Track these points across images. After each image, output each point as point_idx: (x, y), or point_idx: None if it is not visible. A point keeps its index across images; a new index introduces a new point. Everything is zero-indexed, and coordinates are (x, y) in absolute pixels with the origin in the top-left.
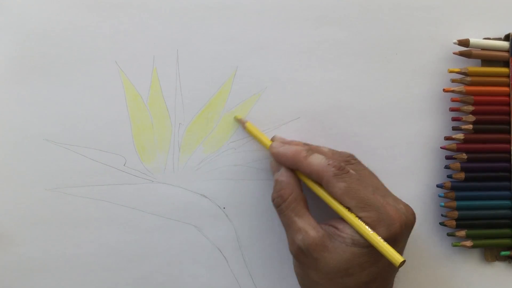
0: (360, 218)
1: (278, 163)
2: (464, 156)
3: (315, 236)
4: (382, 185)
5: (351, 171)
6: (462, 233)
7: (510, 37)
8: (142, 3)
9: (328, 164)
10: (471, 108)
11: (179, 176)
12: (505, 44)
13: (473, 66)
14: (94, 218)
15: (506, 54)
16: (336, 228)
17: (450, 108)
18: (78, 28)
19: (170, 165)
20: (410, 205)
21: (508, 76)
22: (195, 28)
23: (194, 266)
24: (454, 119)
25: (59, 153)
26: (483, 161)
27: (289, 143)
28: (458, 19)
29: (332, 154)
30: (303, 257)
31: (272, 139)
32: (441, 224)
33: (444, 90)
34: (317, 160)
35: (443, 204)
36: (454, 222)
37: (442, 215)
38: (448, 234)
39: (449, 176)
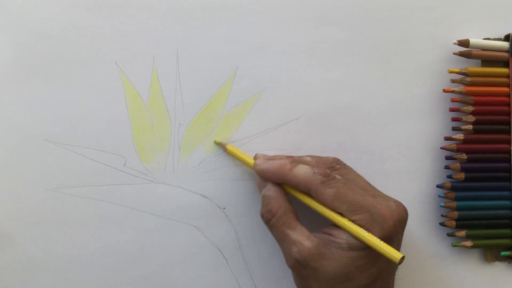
0: (353, 221)
1: (263, 180)
2: (464, 156)
3: (310, 246)
4: (370, 185)
5: (337, 176)
6: (462, 233)
7: (510, 37)
8: (142, 3)
9: (314, 173)
10: (471, 108)
11: (179, 176)
12: (505, 44)
13: (473, 67)
14: (94, 218)
15: (506, 54)
16: (331, 234)
17: (450, 108)
18: (78, 28)
19: (170, 165)
20: (411, 205)
21: (508, 77)
22: (195, 28)
23: (194, 266)
24: (454, 119)
25: (59, 153)
26: (483, 161)
27: (272, 158)
28: (458, 19)
29: (316, 162)
30: (302, 269)
31: (255, 157)
32: (441, 224)
33: (444, 91)
34: (302, 170)
35: (443, 204)
36: (454, 222)
37: (442, 215)
38: (448, 234)
39: (449, 176)
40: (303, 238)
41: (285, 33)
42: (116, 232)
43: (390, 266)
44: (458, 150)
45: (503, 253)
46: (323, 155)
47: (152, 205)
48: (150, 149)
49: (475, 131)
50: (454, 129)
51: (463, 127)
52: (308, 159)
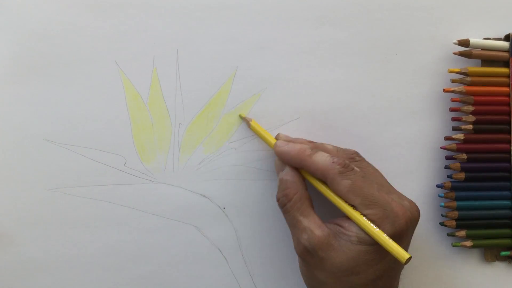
0: (365, 215)
1: (282, 162)
2: (464, 156)
3: (320, 235)
4: (387, 182)
5: (355, 168)
6: (462, 233)
7: (510, 37)
8: (142, 3)
9: (333, 162)
10: (471, 108)
11: (179, 176)
12: (505, 44)
13: (473, 66)
14: (94, 218)
15: (506, 54)
16: (342, 226)
17: (450, 108)
18: (78, 28)
19: (170, 165)
20: None
21: (508, 76)
22: (195, 28)
23: (194, 266)
24: (454, 119)
25: (59, 153)
26: (483, 161)
27: (294, 141)
28: (458, 19)
29: (337, 152)
30: (309, 257)
31: (276, 138)
32: (441, 224)
33: (444, 90)
34: (321, 158)
35: (443, 204)
36: (454, 222)
37: (442, 215)
38: (448, 234)
39: (449, 176)
40: (314, 226)
41: (285, 33)
42: (116, 232)
43: (397, 264)
44: (458, 150)
45: (503, 253)
46: None
47: (152, 205)
48: (150, 149)
49: (475, 131)
50: (454, 129)
51: (463, 127)
52: (330, 147)
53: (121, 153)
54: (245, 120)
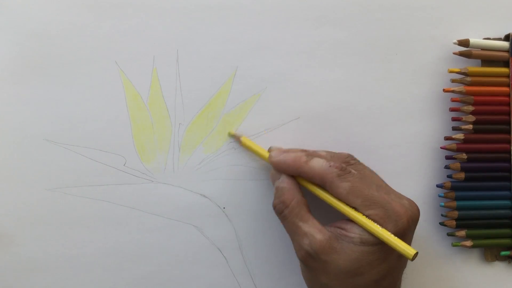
0: (367, 216)
1: (278, 172)
2: (464, 156)
3: (322, 239)
4: (384, 182)
5: (353, 170)
6: (462, 233)
7: (510, 37)
8: (142, 3)
9: (330, 166)
10: (471, 108)
11: (179, 176)
12: (505, 44)
13: (473, 66)
14: (94, 218)
15: (506, 54)
16: (343, 229)
17: (450, 108)
18: (78, 28)
19: (170, 165)
20: None
21: (508, 76)
22: (195, 28)
23: (194, 266)
24: (454, 119)
25: (59, 153)
26: (483, 161)
27: (287, 151)
28: (458, 19)
29: (331, 157)
30: (312, 262)
31: (269, 150)
32: (441, 224)
33: (444, 90)
34: (318, 163)
35: (443, 204)
36: (454, 222)
37: (442, 215)
38: (448, 234)
39: (449, 176)
40: (315, 231)
41: (285, 33)
42: (116, 232)
43: (400, 263)
44: (458, 150)
45: (503, 253)
46: None
47: (152, 205)
48: (150, 149)
49: (475, 131)
50: (454, 129)
51: (463, 127)
52: (323, 153)
53: (121, 153)
54: (235, 138)
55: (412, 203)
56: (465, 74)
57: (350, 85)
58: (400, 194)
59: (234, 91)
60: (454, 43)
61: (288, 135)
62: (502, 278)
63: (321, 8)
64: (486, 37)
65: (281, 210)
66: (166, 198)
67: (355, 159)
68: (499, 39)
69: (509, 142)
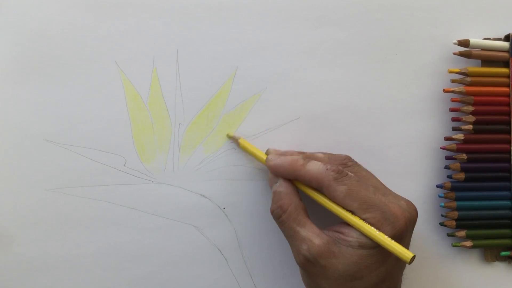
0: (364, 219)
1: (275, 176)
2: (464, 156)
3: (320, 244)
4: (381, 183)
5: (349, 173)
6: (462, 233)
7: (510, 37)
8: (142, 3)
9: (327, 169)
10: (471, 108)
11: (179, 176)
12: (505, 44)
13: (473, 67)
14: (94, 218)
15: (506, 54)
16: (341, 232)
17: (450, 108)
18: (78, 28)
19: (170, 165)
20: None
21: (508, 76)
22: (195, 28)
23: (194, 266)
24: (454, 119)
25: (59, 153)
26: (483, 161)
27: (284, 154)
28: (458, 19)
29: (328, 159)
30: (311, 267)
31: (267, 153)
32: (441, 224)
33: (444, 91)
34: (315, 167)
35: (443, 204)
36: (454, 223)
37: (442, 215)
38: (448, 234)
39: (449, 176)
40: (313, 236)
41: (285, 33)
42: (116, 232)
43: (399, 265)
44: (458, 150)
45: (503, 253)
46: None
47: (152, 205)
48: (150, 149)
49: (475, 131)
50: (454, 129)
51: (463, 127)
52: (321, 155)
53: (121, 153)
54: (233, 139)
55: (409, 204)
56: (465, 74)
57: (350, 85)
58: (397, 195)
59: (234, 91)
60: (454, 43)
61: (288, 135)
62: (502, 278)
63: (321, 8)
64: (486, 37)
65: (278, 215)
66: (166, 198)
67: (352, 160)
68: (499, 39)
69: (509, 142)
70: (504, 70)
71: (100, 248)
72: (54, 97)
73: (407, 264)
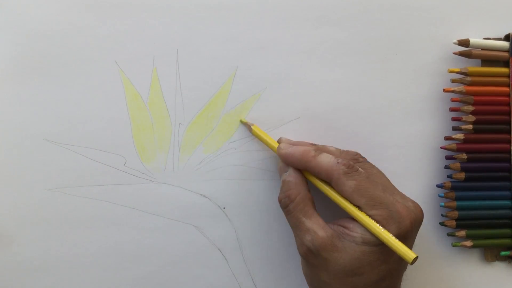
0: (370, 216)
1: (285, 165)
2: (464, 156)
3: (324, 236)
4: (390, 183)
5: (360, 169)
6: (462, 233)
7: (510, 37)
8: (142, 3)
9: (338, 163)
10: (471, 108)
11: (179, 176)
12: (505, 44)
13: (473, 66)
14: (94, 218)
15: (506, 54)
16: (346, 227)
17: (450, 108)
18: (78, 28)
19: (170, 165)
20: None
21: (508, 76)
22: (195, 28)
23: (194, 266)
24: (454, 119)
25: (59, 153)
26: (483, 161)
27: (296, 143)
28: (458, 19)
29: (340, 153)
30: (313, 258)
31: (279, 141)
32: (441, 224)
33: (444, 90)
34: (326, 159)
35: (443, 204)
36: (454, 222)
37: (442, 215)
38: (448, 234)
39: (449, 176)
40: (317, 227)
41: (285, 33)
42: (116, 232)
43: (400, 265)
44: (458, 150)
45: (503, 253)
46: None
47: (152, 205)
48: (150, 149)
49: (475, 131)
50: (454, 129)
51: (463, 127)
52: (332, 149)
53: (121, 153)
54: (246, 125)
55: (416, 206)
56: (465, 74)
57: (350, 85)
58: (405, 196)
59: (234, 91)
60: (454, 43)
61: (288, 135)
62: (502, 278)
63: (321, 8)
64: (486, 37)
65: (286, 205)
66: (166, 198)
67: (363, 157)
68: (499, 39)
69: (509, 142)
70: (504, 70)
71: (100, 248)
72: (54, 97)
73: (408, 265)
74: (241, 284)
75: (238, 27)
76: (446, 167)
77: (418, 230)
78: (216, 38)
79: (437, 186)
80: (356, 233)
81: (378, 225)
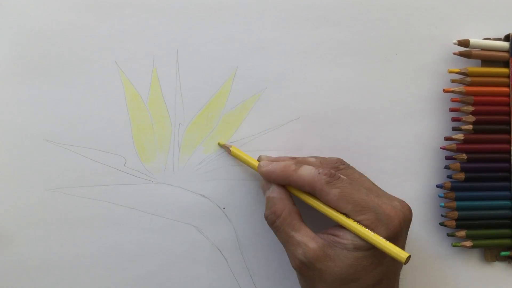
0: (358, 221)
1: (268, 182)
2: (464, 156)
3: (315, 247)
4: (374, 185)
5: (342, 176)
6: (462, 233)
7: (510, 37)
8: (142, 3)
9: (319, 173)
10: (471, 108)
11: (179, 176)
12: (505, 44)
13: (473, 67)
14: (94, 218)
15: (506, 54)
16: (336, 235)
17: (450, 108)
18: (78, 28)
19: (170, 165)
20: (410, 205)
21: (508, 76)
22: (195, 28)
23: (194, 266)
24: (454, 120)
25: (59, 153)
26: (483, 161)
27: (276, 159)
28: (458, 19)
29: (320, 163)
30: (307, 271)
31: (258, 159)
32: (441, 224)
33: (444, 91)
34: (307, 171)
35: (443, 204)
36: (454, 223)
37: (442, 215)
38: (448, 234)
39: (449, 177)
40: (308, 240)
41: (285, 33)
42: (116, 232)
43: (396, 266)
44: (458, 150)
45: (503, 253)
46: (323, 155)
47: (152, 205)
48: (150, 149)
49: (475, 131)
50: (454, 129)
51: (463, 127)
52: (312, 159)
53: (121, 153)
54: (224, 148)
55: (403, 204)
56: (465, 74)
57: (350, 85)
58: (391, 196)
59: (234, 91)
60: (454, 43)
61: (288, 135)
62: (502, 278)
63: (321, 8)
64: (486, 37)
65: (273, 221)
66: (166, 198)
67: (344, 163)
68: (499, 39)
69: (509, 142)
70: (504, 70)
71: (100, 248)
72: (54, 97)
73: (407, 264)
74: (241, 284)
75: (238, 27)
76: (446, 167)
77: (408, 228)
78: (216, 38)
79: (437, 186)
80: (347, 240)
81: (367, 229)
